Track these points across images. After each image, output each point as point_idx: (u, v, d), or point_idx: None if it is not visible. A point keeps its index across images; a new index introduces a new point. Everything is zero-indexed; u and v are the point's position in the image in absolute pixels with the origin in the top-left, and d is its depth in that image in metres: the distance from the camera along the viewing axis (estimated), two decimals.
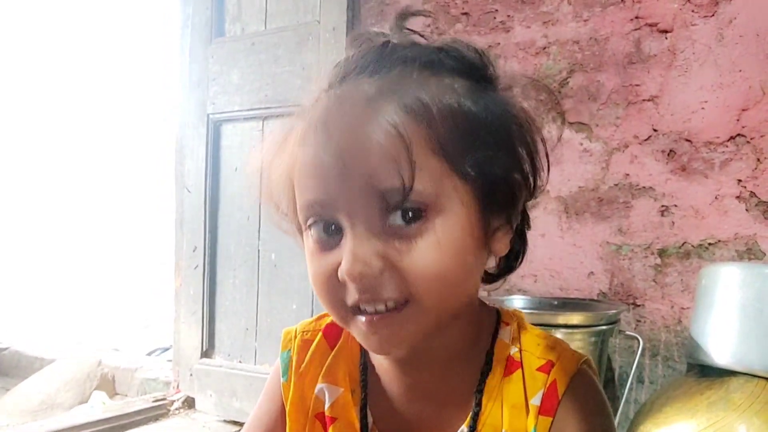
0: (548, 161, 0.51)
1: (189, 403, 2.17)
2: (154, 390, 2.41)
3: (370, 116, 0.44)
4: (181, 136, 2.23)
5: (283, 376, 0.60)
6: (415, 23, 0.54)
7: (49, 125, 8.03)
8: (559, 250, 1.59)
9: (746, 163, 1.39)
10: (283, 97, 1.96)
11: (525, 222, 0.54)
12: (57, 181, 7.79)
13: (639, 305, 1.50)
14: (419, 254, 0.44)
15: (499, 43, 1.67)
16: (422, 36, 0.52)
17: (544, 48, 1.62)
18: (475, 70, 0.49)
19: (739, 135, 1.40)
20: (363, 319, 0.47)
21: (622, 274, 1.52)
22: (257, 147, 0.59)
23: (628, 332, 1.43)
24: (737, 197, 1.40)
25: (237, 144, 2.11)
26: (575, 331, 1.26)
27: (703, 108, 1.44)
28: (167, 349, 2.82)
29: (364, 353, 0.58)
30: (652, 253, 1.49)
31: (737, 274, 1.09)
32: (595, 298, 1.54)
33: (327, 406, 0.58)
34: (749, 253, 1.38)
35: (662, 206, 1.48)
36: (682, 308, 1.45)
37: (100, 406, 2.24)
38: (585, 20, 1.56)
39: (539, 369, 0.52)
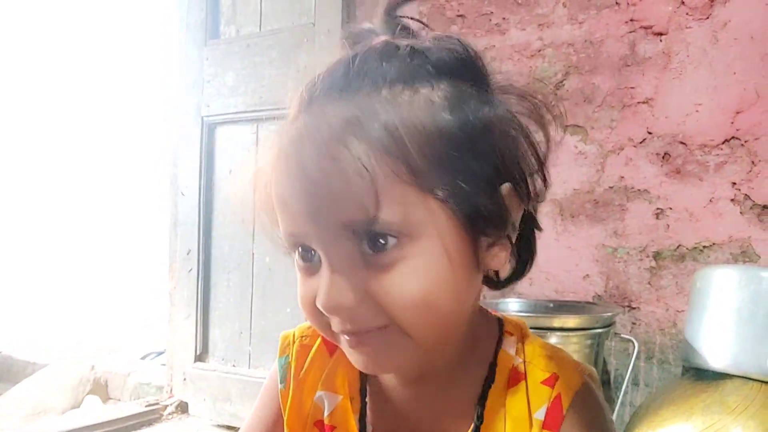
0: (543, 164, 0.50)
1: (182, 407, 2.15)
2: (148, 394, 2.39)
3: (332, 148, 0.42)
4: (175, 138, 2.22)
5: (280, 383, 0.59)
6: (411, 13, 0.52)
7: (47, 126, 8.01)
8: (555, 253, 1.59)
9: (741, 166, 1.40)
10: (277, 100, 1.94)
11: (531, 227, 0.53)
12: (53, 183, 7.77)
13: (634, 308, 1.50)
14: (394, 283, 0.43)
15: (494, 46, 1.67)
16: (420, 21, 0.51)
17: (539, 50, 1.62)
18: (463, 69, 0.47)
19: (733, 138, 1.40)
20: (347, 337, 0.47)
21: (617, 276, 1.52)
22: (249, 156, 0.57)
23: (623, 335, 1.43)
24: (732, 200, 1.40)
25: (232, 146, 2.10)
26: (571, 334, 1.25)
27: (697, 111, 1.44)
28: (161, 353, 2.80)
29: None
30: (647, 256, 1.49)
31: (732, 277, 1.09)
32: (591, 300, 1.54)
33: (326, 414, 0.57)
34: (744, 255, 1.39)
35: (657, 209, 1.48)
36: (677, 311, 1.45)
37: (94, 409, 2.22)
38: (580, 23, 1.57)
39: (544, 382, 0.51)
